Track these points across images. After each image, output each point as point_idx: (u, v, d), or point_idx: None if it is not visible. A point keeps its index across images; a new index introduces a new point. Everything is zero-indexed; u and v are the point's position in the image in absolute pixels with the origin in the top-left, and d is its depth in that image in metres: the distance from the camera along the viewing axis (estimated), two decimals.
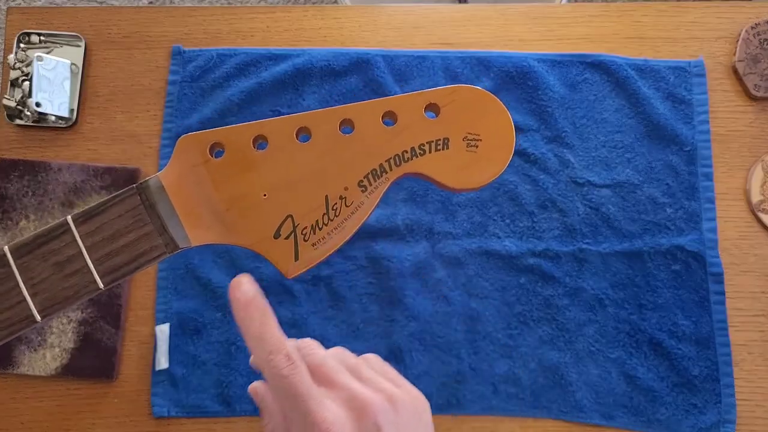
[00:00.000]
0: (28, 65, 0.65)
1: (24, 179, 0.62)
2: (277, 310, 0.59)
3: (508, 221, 0.61)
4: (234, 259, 0.61)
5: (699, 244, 0.60)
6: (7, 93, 0.64)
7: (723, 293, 0.59)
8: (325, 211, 0.32)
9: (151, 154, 0.64)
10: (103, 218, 0.31)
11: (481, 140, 0.32)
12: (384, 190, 0.33)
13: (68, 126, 0.64)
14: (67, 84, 0.64)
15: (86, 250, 0.30)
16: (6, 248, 0.30)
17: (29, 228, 0.61)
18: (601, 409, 0.57)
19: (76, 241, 0.30)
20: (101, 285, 0.31)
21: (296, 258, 0.32)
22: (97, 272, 0.31)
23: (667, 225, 0.61)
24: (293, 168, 0.32)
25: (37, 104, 0.62)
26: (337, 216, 0.32)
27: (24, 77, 0.64)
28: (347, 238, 0.32)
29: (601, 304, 0.59)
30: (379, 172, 0.32)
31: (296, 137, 0.32)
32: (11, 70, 0.65)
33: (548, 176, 0.62)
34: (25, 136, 0.65)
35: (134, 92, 0.66)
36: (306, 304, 0.60)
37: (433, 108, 0.32)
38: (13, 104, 0.64)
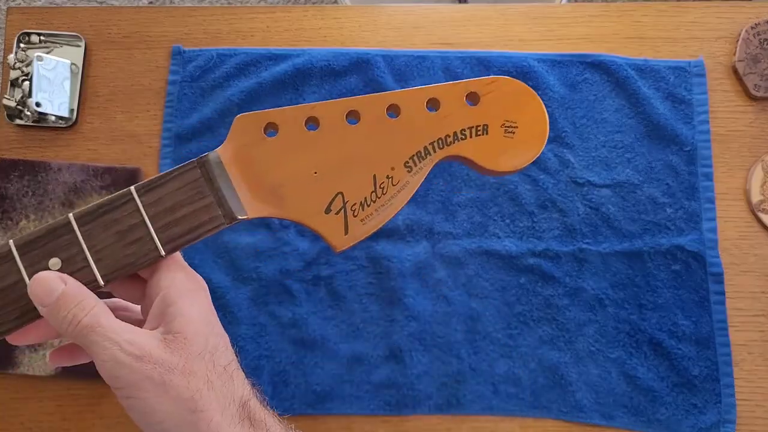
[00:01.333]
0: (28, 65, 0.65)
1: (24, 179, 0.62)
2: (277, 309, 0.60)
3: (508, 221, 0.61)
4: (234, 260, 0.61)
5: (699, 244, 0.60)
6: (7, 93, 0.64)
7: (723, 293, 0.59)
8: (373, 189, 0.34)
9: (152, 154, 0.64)
10: (163, 190, 0.33)
11: (517, 127, 0.35)
12: (428, 170, 0.35)
13: (68, 126, 0.64)
14: (67, 84, 0.64)
15: (149, 220, 0.32)
16: (71, 215, 0.32)
17: (29, 228, 0.61)
18: (601, 409, 0.57)
19: (139, 210, 0.32)
20: (163, 252, 0.33)
21: (346, 231, 0.34)
22: (159, 240, 0.32)
23: (667, 225, 0.61)
24: (343, 148, 0.34)
25: (37, 104, 0.62)
26: (384, 194, 0.34)
27: (24, 77, 0.64)
28: (393, 214, 0.34)
29: (601, 304, 0.59)
30: (423, 154, 0.34)
31: (345, 119, 0.34)
32: (11, 70, 0.65)
33: (548, 176, 0.62)
34: (25, 136, 0.65)
35: (134, 92, 0.66)
36: (306, 304, 0.60)
37: (473, 97, 0.35)
38: (13, 104, 0.64)
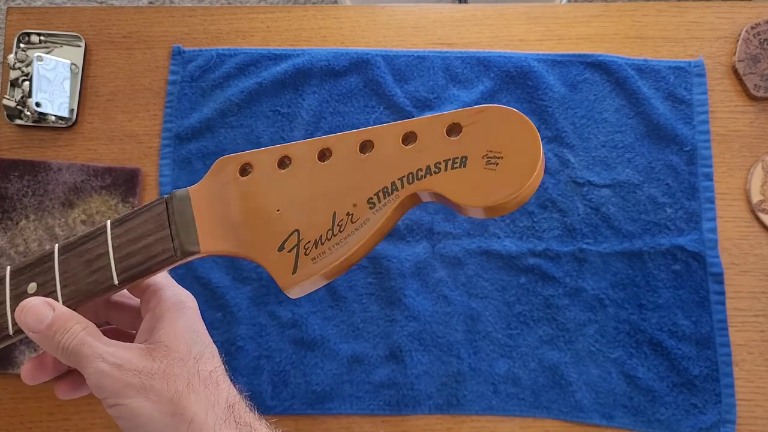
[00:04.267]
0: (28, 65, 0.65)
1: (24, 179, 0.62)
2: (278, 309, 0.60)
3: (508, 221, 0.61)
4: (234, 260, 0.61)
5: (699, 244, 0.60)
6: (7, 93, 0.64)
7: (723, 293, 0.59)
8: (330, 227, 0.31)
9: (151, 154, 0.64)
10: (133, 222, 0.34)
11: (502, 158, 0.29)
12: (393, 207, 0.31)
13: (68, 126, 0.64)
14: (67, 84, 0.64)
15: (112, 250, 0.33)
16: (56, 245, 0.34)
17: (29, 228, 0.61)
18: (601, 409, 0.57)
19: (107, 241, 0.33)
20: (116, 281, 0.33)
21: (294, 271, 0.32)
22: (115, 269, 0.33)
23: (667, 225, 0.61)
24: (309, 186, 0.32)
25: (37, 104, 0.62)
26: (341, 231, 0.31)
27: (24, 77, 0.64)
28: (350, 253, 0.31)
29: (601, 304, 0.59)
30: (389, 190, 0.31)
31: (317, 158, 0.32)
32: (11, 70, 0.65)
33: (548, 176, 0.62)
34: (25, 136, 0.65)
35: (134, 92, 0.66)
36: (306, 304, 0.60)
37: (455, 128, 0.31)
38: (13, 104, 0.64)
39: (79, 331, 0.33)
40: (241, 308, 0.60)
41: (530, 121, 0.30)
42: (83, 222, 0.61)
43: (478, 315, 0.59)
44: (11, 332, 0.33)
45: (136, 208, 0.34)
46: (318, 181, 0.32)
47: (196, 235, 0.33)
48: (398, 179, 0.31)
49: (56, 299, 0.33)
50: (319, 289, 0.60)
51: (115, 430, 0.59)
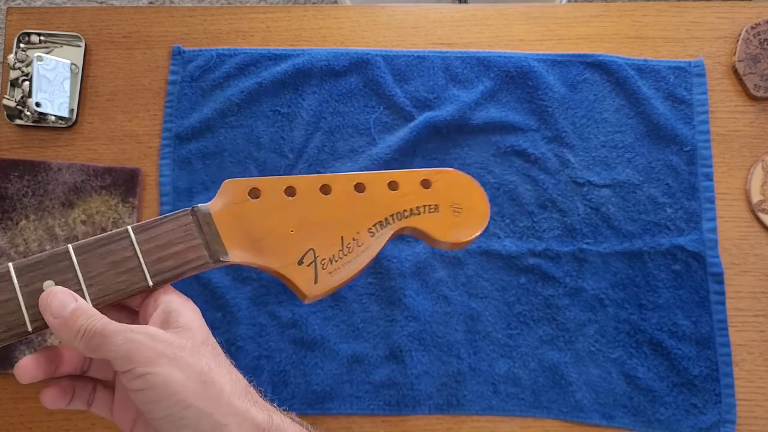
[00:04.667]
0: (28, 65, 0.65)
1: (24, 179, 0.62)
2: (278, 309, 0.60)
3: (508, 221, 0.61)
4: None
5: (699, 244, 0.60)
6: (7, 93, 0.64)
7: (723, 293, 0.59)
8: (341, 248, 0.40)
9: (151, 154, 0.64)
10: (158, 230, 0.37)
11: (462, 209, 0.43)
12: (388, 237, 0.41)
13: (68, 126, 0.64)
14: (67, 84, 0.64)
15: (141, 253, 0.36)
16: (70, 246, 0.35)
17: (29, 228, 0.61)
18: (601, 409, 0.57)
19: (133, 245, 0.36)
20: (150, 283, 0.36)
21: (316, 281, 0.39)
22: (148, 272, 0.36)
23: (667, 225, 0.61)
24: (316, 213, 0.40)
25: (37, 104, 0.62)
26: (350, 252, 0.40)
27: (24, 77, 0.64)
28: (359, 270, 0.40)
29: (601, 304, 0.59)
30: (384, 223, 0.41)
31: (319, 191, 0.40)
32: (11, 70, 0.65)
33: (548, 176, 0.62)
34: (25, 136, 0.65)
35: (134, 92, 0.66)
36: (306, 304, 0.60)
37: (425, 183, 0.42)
38: (13, 104, 0.64)
39: (101, 317, 0.33)
40: (241, 308, 0.60)
41: (477, 182, 0.43)
42: (83, 222, 0.61)
43: (478, 315, 0.59)
44: (30, 329, 0.34)
45: (157, 218, 0.37)
46: (323, 210, 0.40)
47: (224, 246, 0.38)
48: (390, 215, 0.41)
49: (83, 296, 0.35)
50: None
51: (115, 431, 0.59)
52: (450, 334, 0.59)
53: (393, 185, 0.42)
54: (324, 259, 0.39)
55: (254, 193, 0.40)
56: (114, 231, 0.36)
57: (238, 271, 0.61)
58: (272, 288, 0.60)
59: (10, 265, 0.34)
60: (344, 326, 0.59)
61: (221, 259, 0.38)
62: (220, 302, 0.60)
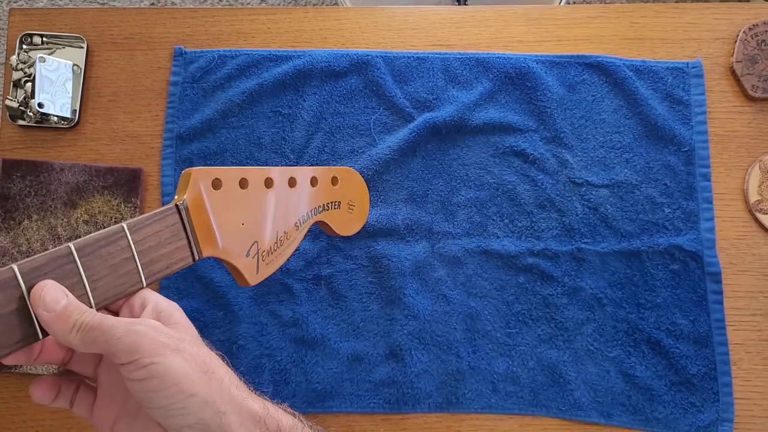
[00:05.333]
0: (30, 66, 0.65)
1: (27, 179, 0.62)
2: (278, 309, 0.60)
3: (507, 221, 0.62)
4: None
5: (697, 244, 0.60)
6: (10, 94, 0.65)
7: (721, 293, 0.59)
8: (275, 241, 0.44)
9: (153, 155, 0.64)
10: (149, 230, 0.37)
11: (355, 206, 0.50)
12: (306, 230, 0.46)
13: (70, 126, 0.65)
14: (69, 85, 0.65)
15: (137, 256, 0.37)
16: (71, 245, 0.35)
17: (32, 228, 0.62)
18: (600, 408, 0.58)
19: (130, 247, 0.37)
20: (144, 284, 0.37)
21: (257, 272, 0.43)
22: (143, 274, 0.37)
23: (665, 225, 0.61)
24: (260, 207, 0.43)
25: (40, 105, 0.63)
26: (281, 245, 0.44)
27: (26, 78, 0.65)
28: (284, 261, 0.45)
29: (600, 304, 0.60)
30: (306, 217, 0.46)
31: (263, 184, 0.43)
32: (14, 71, 0.65)
33: (547, 176, 0.62)
34: (27, 136, 0.65)
35: (136, 93, 0.66)
36: (307, 303, 0.60)
37: (335, 180, 0.48)
38: (15, 105, 0.64)
39: (93, 312, 0.34)
40: (242, 307, 0.60)
41: (365, 184, 0.52)
42: (86, 222, 0.62)
43: (477, 314, 0.60)
44: (41, 336, 0.33)
45: (146, 215, 0.38)
46: (265, 203, 0.43)
47: (199, 242, 0.39)
48: (309, 210, 0.46)
49: (88, 299, 0.35)
50: (319, 288, 0.61)
51: None
52: (449, 333, 0.59)
53: (314, 181, 0.46)
54: (264, 251, 0.43)
55: (216, 183, 0.40)
56: (110, 229, 0.36)
57: None
58: (273, 287, 0.60)
59: (15, 267, 0.33)
60: (344, 325, 0.60)
61: (197, 256, 0.39)
62: (222, 301, 0.60)
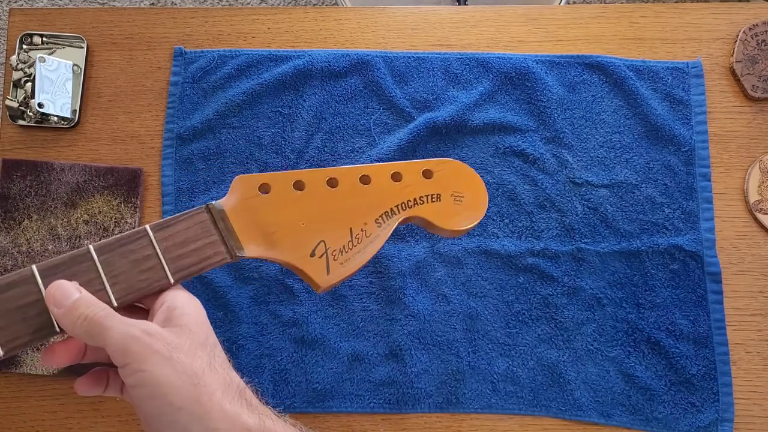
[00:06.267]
0: (30, 66, 0.65)
1: (27, 179, 0.62)
2: (279, 309, 0.60)
3: (507, 221, 0.62)
4: None
5: (697, 244, 0.60)
6: (10, 94, 0.65)
7: (721, 293, 0.59)
8: (350, 239, 0.42)
9: (153, 155, 0.64)
10: (174, 229, 0.38)
11: (463, 197, 0.45)
12: (394, 226, 0.43)
13: (70, 126, 0.65)
14: (69, 85, 0.65)
15: (161, 252, 0.37)
16: (91, 246, 0.36)
17: (32, 228, 0.62)
18: (600, 408, 0.58)
19: (152, 244, 0.37)
20: (172, 280, 0.38)
21: (328, 272, 0.41)
22: (169, 269, 0.37)
23: (665, 225, 0.61)
24: (324, 206, 0.42)
25: (40, 105, 0.63)
26: (359, 243, 0.42)
27: (26, 78, 0.65)
28: (368, 259, 0.42)
29: (600, 303, 0.60)
30: (390, 213, 0.43)
31: (326, 184, 0.42)
32: (14, 71, 0.65)
33: (547, 176, 0.62)
34: (27, 136, 0.65)
35: (136, 93, 0.66)
36: (307, 303, 0.60)
37: (427, 173, 0.45)
38: (15, 105, 0.64)
39: (103, 307, 0.34)
40: (243, 307, 0.60)
41: (476, 173, 0.45)
42: (86, 222, 0.62)
43: (477, 314, 0.60)
44: (57, 328, 0.35)
45: (173, 216, 0.39)
46: (331, 202, 0.42)
47: (239, 241, 0.40)
48: (395, 206, 0.43)
49: (107, 295, 0.36)
50: None
51: (117, 429, 0.59)
52: (449, 333, 0.59)
53: (396, 176, 0.44)
54: (335, 250, 0.41)
55: (264, 188, 0.41)
56: (133, 230, 0.37)
57: (239, 271, 0.61)
58: (273, 287, 0.60)
59: (34, 267, 0.35)
60: (344, 325, 0.60)
61: (238, 254, 0.40)
62: (222, 301, 0.60)
